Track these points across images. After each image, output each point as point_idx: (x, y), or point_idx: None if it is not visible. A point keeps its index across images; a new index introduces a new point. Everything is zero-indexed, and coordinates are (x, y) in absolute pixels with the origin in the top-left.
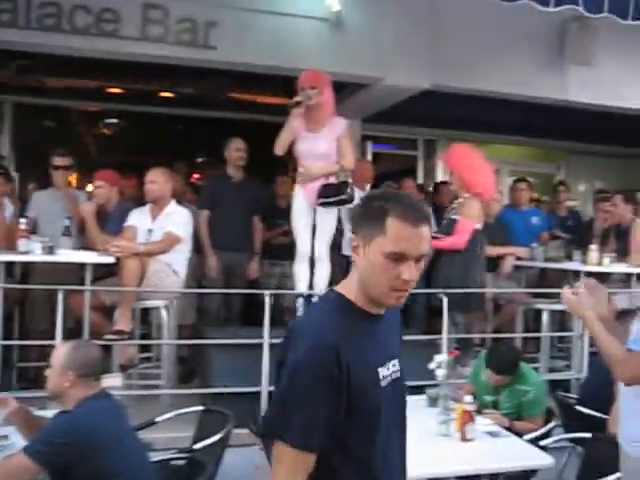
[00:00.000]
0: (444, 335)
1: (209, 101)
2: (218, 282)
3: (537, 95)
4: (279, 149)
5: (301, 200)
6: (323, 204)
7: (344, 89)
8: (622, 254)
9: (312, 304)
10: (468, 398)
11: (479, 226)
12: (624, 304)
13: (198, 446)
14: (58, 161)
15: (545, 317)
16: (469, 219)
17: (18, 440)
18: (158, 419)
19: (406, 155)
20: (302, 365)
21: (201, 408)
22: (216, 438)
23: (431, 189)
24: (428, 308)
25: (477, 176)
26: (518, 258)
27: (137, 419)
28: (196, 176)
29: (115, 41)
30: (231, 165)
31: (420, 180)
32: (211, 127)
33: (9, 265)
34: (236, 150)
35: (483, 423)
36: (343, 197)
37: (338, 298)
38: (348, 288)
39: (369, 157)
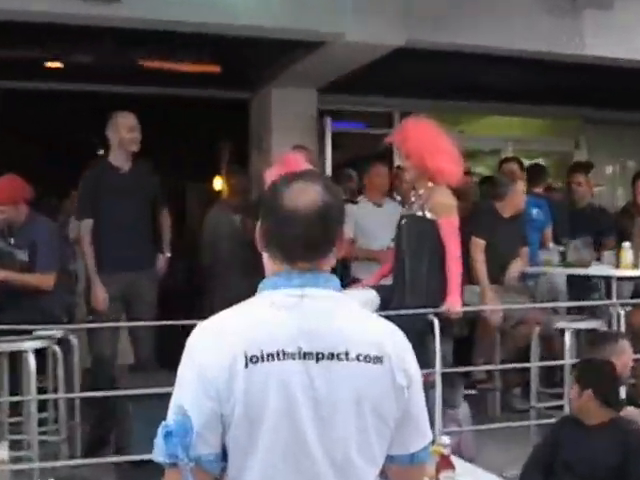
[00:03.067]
0: (437, 368)
1: (111, 72)
2: (112, 317)
3: (544, 50)
4: None
5: None
6: None
7: (294, 50)
8: None
9: None
10: (445, 439)
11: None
12: None
13: None
14: None
15: (568, 339)
16: (448, 215)
17: None
18: None
19: (377, 135)
20: None
21: None
22: None
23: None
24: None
25: (443, 161)
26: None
27: None
28: None
29: None
30: (119, 151)
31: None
32: (115, 105)
33: None
34: (128, 130)
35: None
36: None
37: None
38: None
39: (328, 139)
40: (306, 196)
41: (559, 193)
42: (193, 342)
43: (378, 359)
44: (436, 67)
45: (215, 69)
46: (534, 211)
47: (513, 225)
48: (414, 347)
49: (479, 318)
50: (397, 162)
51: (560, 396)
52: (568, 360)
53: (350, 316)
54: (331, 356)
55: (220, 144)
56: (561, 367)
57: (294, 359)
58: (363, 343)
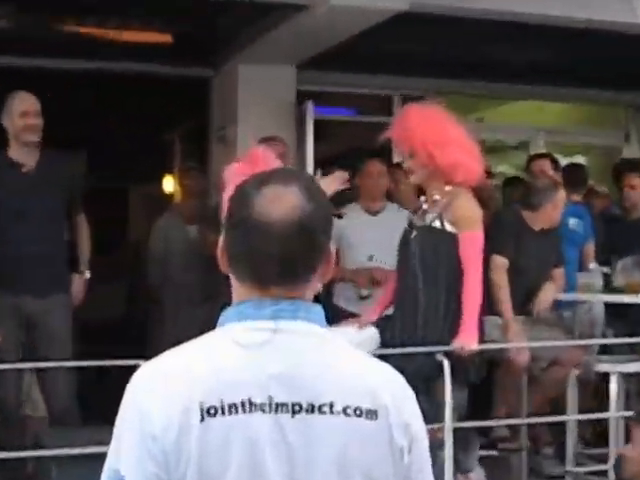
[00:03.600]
0: (448, 423)
1: (30, 41)
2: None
3: (587, 17)
4: None
5: None
6: None
7: (266, 15)
8: None
9: None
10: None
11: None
12: None
13: None
14: None
15: (614, 386)
16: (472, 228)
17: None
18: None
19: (373, 123)
20: None
21: None
22: None
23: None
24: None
25: (458, 156)
26: None
27: None
28: None
29: None
30: (16, 143)
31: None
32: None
33: None
34: (21, 115)
35: None
36: None
37: None
38: None
39: (309, 128)
40: (282, 203)
41: (603, 199)
42: (134, 390)
43: (372, 413)
44: (448, 38)
45: (166, 39)
46: (572, 222)
47: (545, 240)
48: (418, 396)
49: (501, 358)
50: (397, 159)
51: (604, 458)
52: (614, 412)
53: (337, 357)
54: (311, 408)
55: (172, 135)
56: (605, 421)
57: (263, 411)
58: (353, 392)
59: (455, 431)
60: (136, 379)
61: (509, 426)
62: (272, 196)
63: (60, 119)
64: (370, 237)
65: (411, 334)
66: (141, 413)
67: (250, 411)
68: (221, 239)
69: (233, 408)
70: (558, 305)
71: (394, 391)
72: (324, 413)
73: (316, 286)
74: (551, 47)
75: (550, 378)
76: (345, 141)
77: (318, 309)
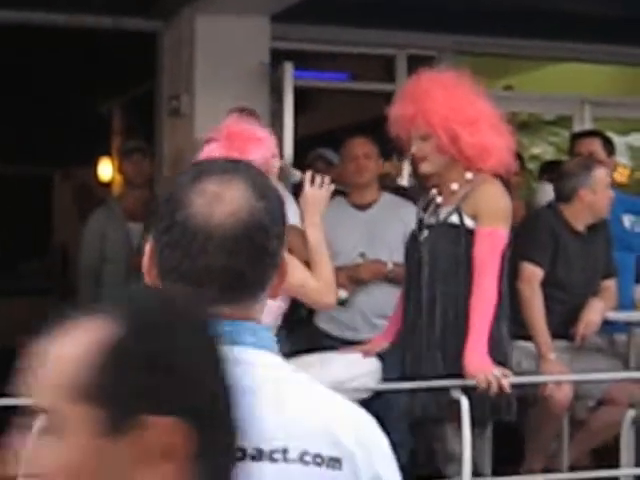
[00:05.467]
0: (466, 479)
1: None
2: None
3: None
4: None
5: None
6: None
7: None
8: None
9: None
10: None
11: (507, 234)
12: None
13: None
14: None
15: None
16: (496, 224)
17: None
18: None
19: (370, 92)
20: None
21: None
22: None
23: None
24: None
25: (489, 138)
26: None
27: None
28: None
29: None
30: None
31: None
32: None
33: None
34: None
35: None
36: None
37: None
38: None
39: (288, 97)
40: (224, 203)
41: None
42: None
43: (335, 461)
44: None
45: None
46: (627, 219)
47: (592, 243)
48: (421, 442)
49: (535, 396)
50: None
51: None
52: None
53: (291, 393)
54: (259, 455)
55: (110, 106)
56: None
57: None
58: (312, 436)
59: None
60: None
61: None
62: (212, 194)
63: None
64: (358, 237)
65: (422, 362)
66: None
67: None
68: (147, 247)
69: None
70: (609, 327)
71: (362, 434)
72: (276, 461)
73: (266, 303)
74: None
75: (599, 421)
76: (334, 114)
77: (267, 333)
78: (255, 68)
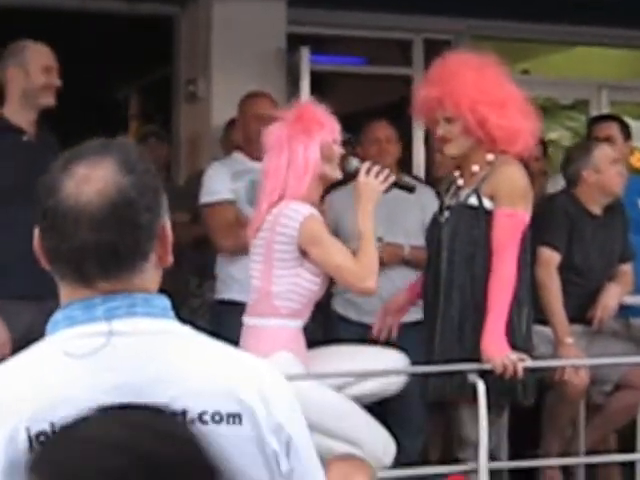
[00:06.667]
0: (482, 463)
1: None
2: None
3: None
4: None
5: None
6: None
7: None
8: None
9: None
10: None
11: (529, 216)
12: None
13: None
14: None
15: None
16: (514, 205)
17: None
18: None
19: (386, 76)
20: None
21: None
22: None
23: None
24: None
25: (518, 121)
26: None
27: None
28: None
29: None
30: (23, 103)
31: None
32: None
33: None
34: (43, 70)
35: None
36: None
37: None
38: None
39: (305, 82)
40: (92, 182)
41: None
42: None
43: (234, 417)
44: None
45: None
46: None
47: (607, 226)
48: (437, 427)
49: (552, 380)
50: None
51: None
52: None
53: (188, 355)
54: None
55: (127, 90)
56: None
57: None
58: (209, 395)
59: (492, 474)
60: None
61: (563, 468)
62: (81, 176)
63: None
64: (375, 220)
65: (448, 347)
66: None
67: None
68: (36, 233)
69: None
70: (627, 311)
71: (263, 388)
72: None
73: (153, 273)
74: None
75: (616, 405)
76: (350, 98)
77: (161, 300)
78: (272, 52)
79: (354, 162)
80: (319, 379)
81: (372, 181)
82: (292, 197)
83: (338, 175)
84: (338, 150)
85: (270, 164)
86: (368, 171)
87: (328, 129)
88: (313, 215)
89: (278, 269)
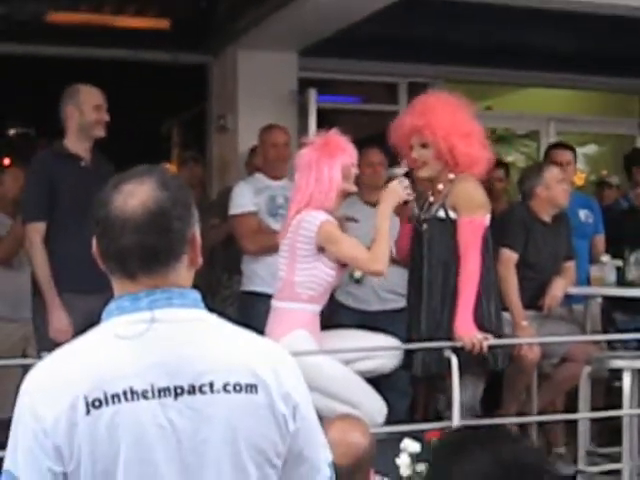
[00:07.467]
0: (455, 420)
1: (22, 28)
2: None
3: (600, 1)
4: None
5: None
6: None
7: (265, 1)
8: None
9: None
10: None
11: (487, 220)
12: None
13: None
14: None
15: (627, 382)
16: (471, 212)
17: None
18: None
19: (378, 112)
20: None
21: None
22: None
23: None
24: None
25: (479, 149)
26: None
27: None
28: (6, 162)
29: None
30: (80, 136)
31: None
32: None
33: None
34: (95, 108)
35: None
36: None
37: None
38: None
39: (312, 117)
40: (135, 197)
41: (614, 190)
42: (25, 389)
43: (251, 387)
44: (456, 23)
45: (163, 24)
46: (582, 213)
47: (555, 232)
48: (421, 392)
49: (511, 355)
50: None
51: (617, 458)
52: (628, 410)
53: (215, 338)
54: (192, 390)
55: (170, 124)
56: (618, 419)
57: (146, 398)
58: (232, 370)
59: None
60: (27, 380)
61: (519, 424)
62: (127, 194)
63: (52, 107)
64: (370, 228)
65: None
66: (32, 411)
67: (132, 399)
68: (94, 239)
69: (115, 398)
70: (569, 300)
71: (273, 364)
72: (205, 393)
73: (186, 273)
74: (561, 33)
75: (562, 375)
76: (350, 130)
77: (192, 293)
78: (286, 93)
79: (396, 171)
80: (330, 354)
81: (397, 188)
82: (316, 207)
83: (354, 189)
84: (354, 171)
85: (301, 181)
86: (400, 182)
87: (348, 154)
88: (328, 220)
89: (300, 263)
